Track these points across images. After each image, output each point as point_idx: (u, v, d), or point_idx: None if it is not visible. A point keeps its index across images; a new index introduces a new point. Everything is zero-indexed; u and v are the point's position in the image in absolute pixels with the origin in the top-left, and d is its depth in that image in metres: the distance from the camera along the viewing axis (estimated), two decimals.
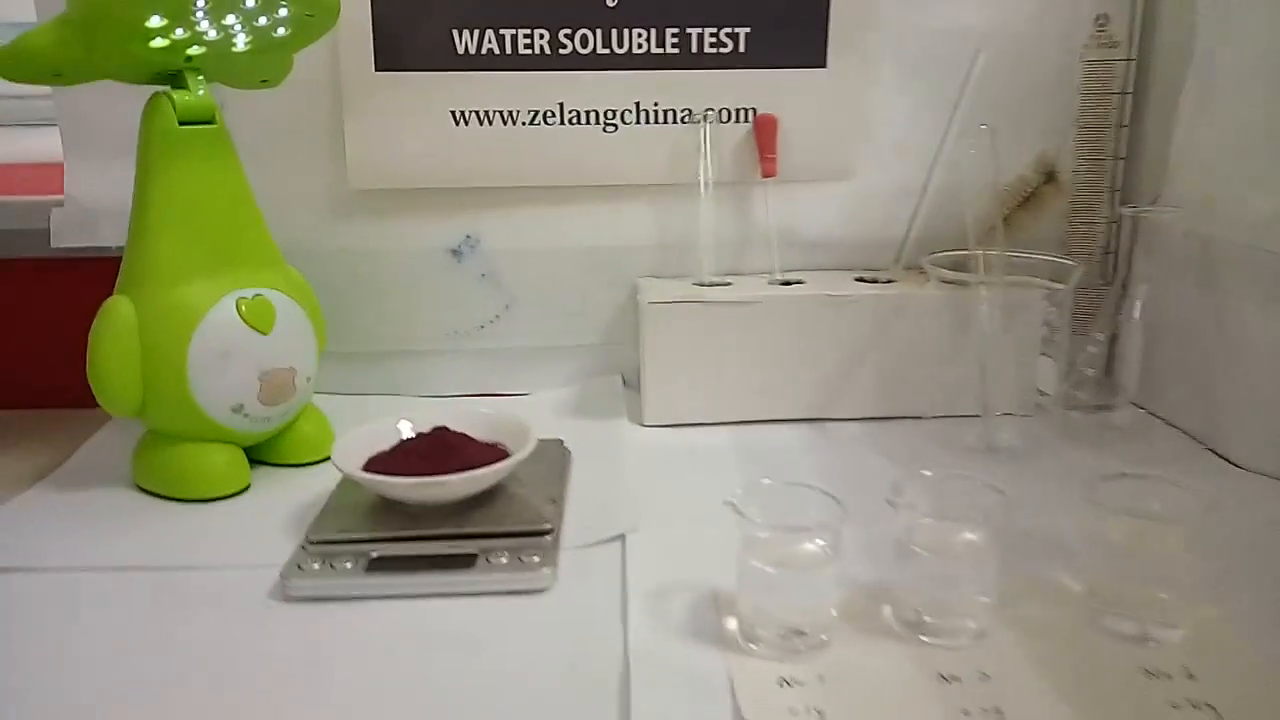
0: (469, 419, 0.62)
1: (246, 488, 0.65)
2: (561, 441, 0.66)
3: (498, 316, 0.81)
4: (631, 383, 0.83)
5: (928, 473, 0.47)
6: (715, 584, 0.50)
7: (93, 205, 0.77)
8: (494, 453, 0.58)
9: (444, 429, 0.60)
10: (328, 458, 0.68)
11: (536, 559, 0.51)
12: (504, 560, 0.51)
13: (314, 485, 0.64)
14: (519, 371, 0.83)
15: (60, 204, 0.77)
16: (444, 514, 0.54)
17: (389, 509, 0.55)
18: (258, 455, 0.68)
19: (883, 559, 0.48)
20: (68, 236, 0.77)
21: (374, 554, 0.52)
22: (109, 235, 0.75)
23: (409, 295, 0.80)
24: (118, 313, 0.60)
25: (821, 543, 0.45)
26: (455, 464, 0.55)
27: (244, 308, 0.62)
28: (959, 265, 0.71)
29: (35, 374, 0.81)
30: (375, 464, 0.57)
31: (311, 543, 0.53)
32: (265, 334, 0.63)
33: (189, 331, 0.60)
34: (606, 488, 0.63)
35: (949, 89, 0.76)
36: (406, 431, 0.61)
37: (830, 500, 0.45)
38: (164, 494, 0.63)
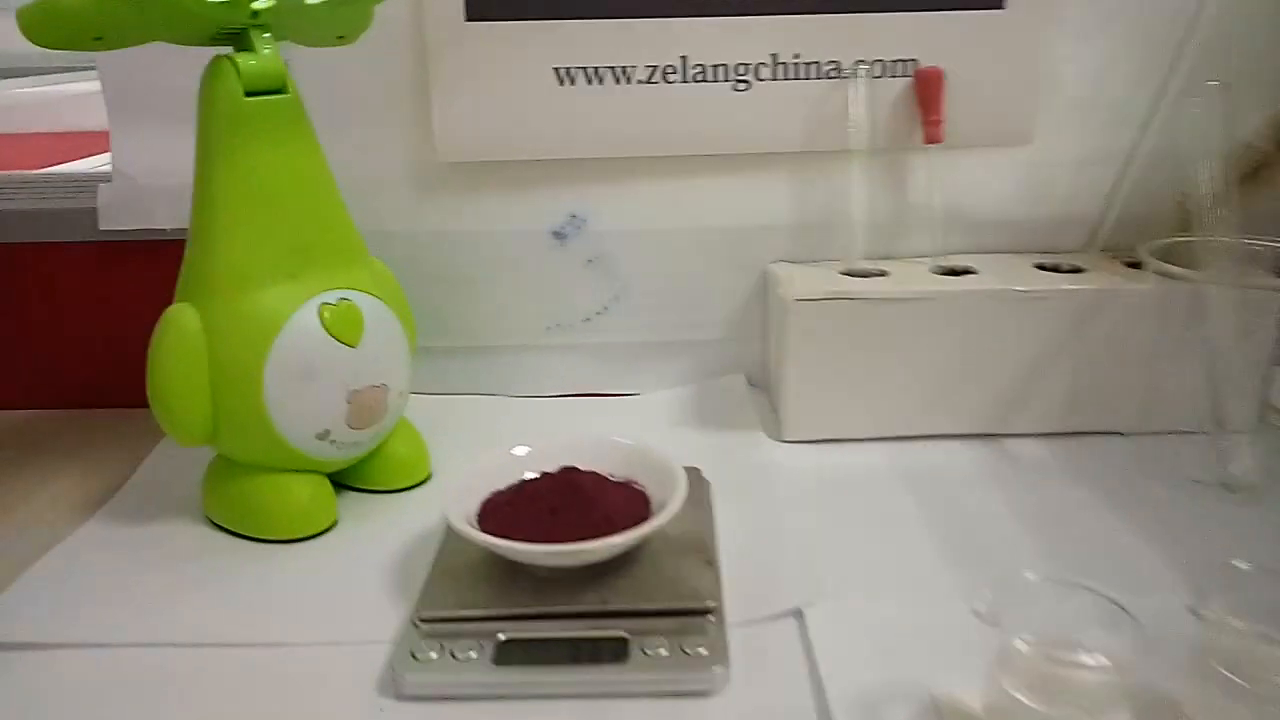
0: (598, 451, 0.51)
1: (334, 524, 0.55)
2: (699, 471, 0.55)
3: (605, 308, 0.71)
4: (758, 383, 0.72)
5: (1242, 565, 0.36)
6: (935, 687, 0.40)
7: (146, 182, 0.67)
8: (635, 500, 0.48)
9: (573, 470, 0.50)
10: (424, 481, 0.59)
11: (703, 650, 0.41)
12: (663, 652, 0.41)
13: (411, 519, 0.55)
14: (628, 369, 0.72)
15: (108, 179, 0.67)
16: (580, 579, 0.45)
17: (513, 570, 0.45)
18: (343, 479, 0.59)
19: (1166, 668, 0.37)
20: (118, 218, 0.67)
21: (502, 636, 0.42)
22: (164, 217, 0.66)
23: (505, 283, 0.70)
24: (181, 326, 0.50)
25: (1102, 663, 0.34)
26: (593, 516, 0.45)
27: (328, 315, 0.52)
28: (1171, 254, 0.59)
29: (86, 370, 0.73)
30: (494, 513, 0.47)
31: (424, 620, 0.43)
32: (353, 346, 0.53)
33: (266, 346, 0.50)
34: (763, 536, 0.52)
35: (1158, 33, 0.62)
36: (525, 467, 0.51)
37: (1112, 607, 0.34)
38: (238, 531, 0.54)
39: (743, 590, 0.46)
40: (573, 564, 0.44)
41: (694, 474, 0.55)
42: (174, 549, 0.53)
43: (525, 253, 0.69)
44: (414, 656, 0.42)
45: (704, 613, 0.43)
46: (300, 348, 0.51)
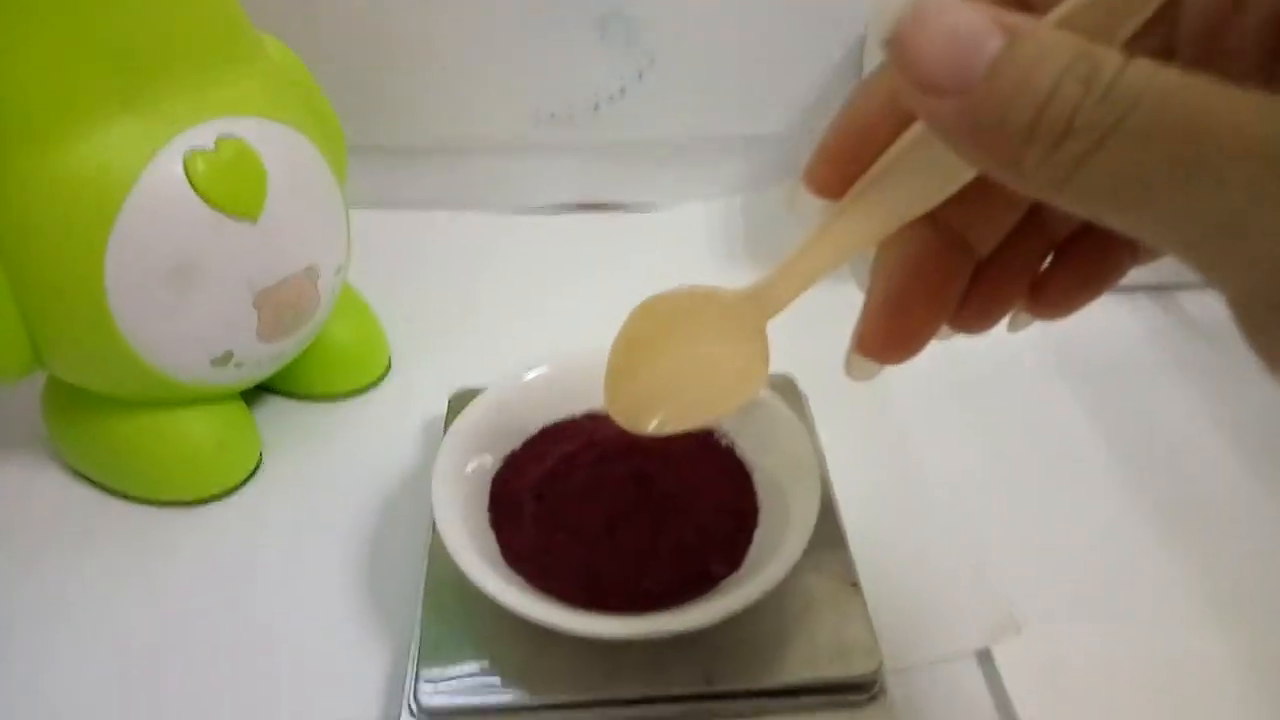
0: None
1: (256, 467, 0.37)
2: (794, 382, 0.38)
3: (624, 89, 0.48)
4: None
5: None
6: None
7: None
8: (732, 482, 0.31)
9: (639, 450, 0.31)
10: (380, 378, 0.41)
11: None
12: None
13: (369, 449, 0.38)
14: (652, 175, 0.52)
15: None
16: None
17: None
18: (264, 382, 0.40)
19: None
20: None
21: None
22: None
23: (479, 55, 0.47)
24: None
25: None
26: (678, 534, 0.29)
27: (202, 170, 0.30)
28: None
29: None
30: (514, 522, 0.30)
31: (426, 711, 0.27)
32: (252, 219, 0.32)
33: (101, 236, 0.29)
34: (891, 496, 0.36)
35: None
36: (547, 409, 0.33)
37: None
38: (110, 488, 0.36)
39: (887, 608, 0.31)
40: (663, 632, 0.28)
41: (786, 385, 0.37)
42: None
43: (511, 8, 0.45)
44: None
45: (865, 686, 0.28)
46: (161, 232, 0.30)
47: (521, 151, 0.50)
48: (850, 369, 0.23)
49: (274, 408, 0.40)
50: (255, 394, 0.40)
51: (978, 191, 0.19)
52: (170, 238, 0.30)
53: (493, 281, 0.48)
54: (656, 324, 0.25)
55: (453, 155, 0.50)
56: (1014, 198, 0.20)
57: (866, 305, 0.21)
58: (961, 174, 0.19)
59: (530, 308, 0.46)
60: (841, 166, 0.20)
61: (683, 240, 0.50)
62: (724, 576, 0.28)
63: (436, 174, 0.51)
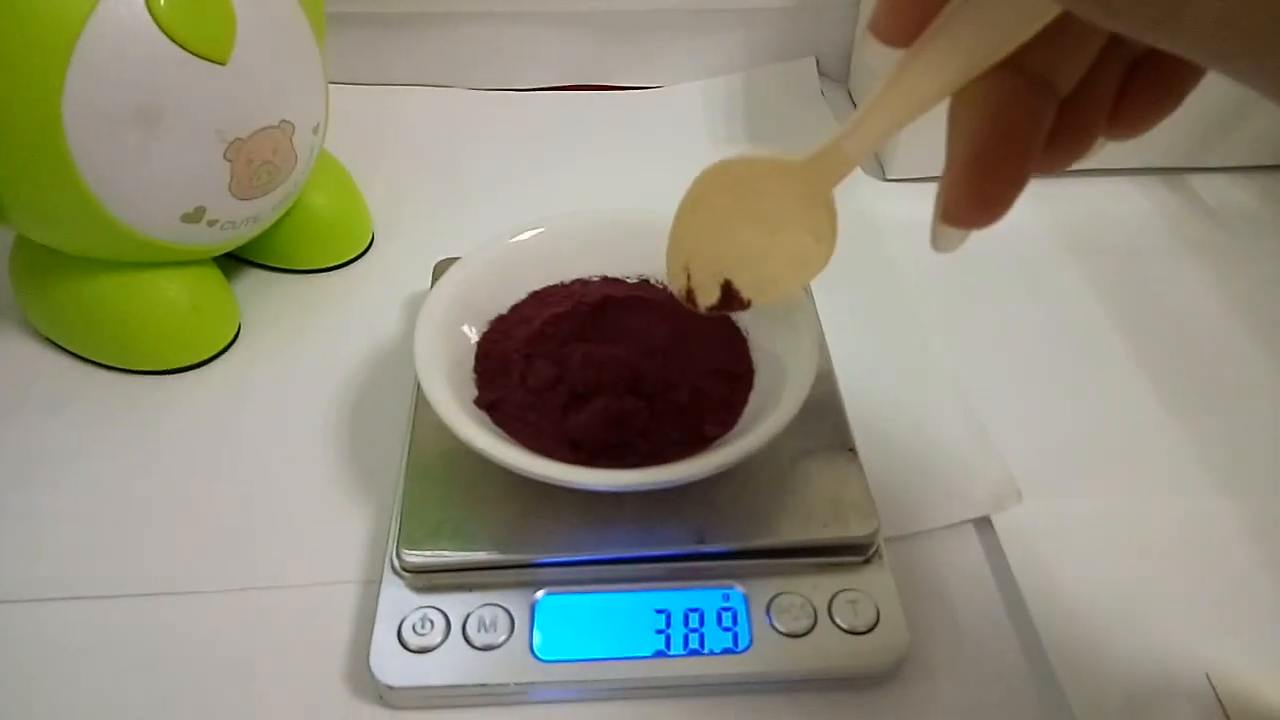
0: (650, 233, 0.31)
1: (235, 338, 0.36)
2: None
3: None
4: (834, 75, 0.50)
5: None
6: (1211, 662, 0.26)
7: None
8: (726, 342, 0.30)
9: (624, 293, 0.30)
10: (364, 252, 0.40)
11: (865, 611, 0.26)
12: (802, 622, 0.26)
13: (352, 319, 0.37)
14: (648, 49, 0.50)
15: None
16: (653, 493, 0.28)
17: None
18: (243, 253, 0.38)
19: None
20: None
21: (540, 595, 0.26)
22: None
23: None
24: None
25: None
26: (671, 390, 0.28)
27: (165, 4, 0.28)
28: None
29: None
30: (500, 380, 0.29)
31: (410, 569, 0.26)
32: (220, 61, 0.30)
33: (57, 71, 0.27)
34: (890, 368, 0.35)
35: None
36: (538, 270, 0.31)
37: None
38: (81, 354, 0.35)
39: (896, 485, 0.30)
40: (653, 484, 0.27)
41: None
42: None
43: None
44: (400, 640, 0.25)
45: (860, 548, 0.27)
46: (122, 69, 0.28)
47: (511, 21, 0.48)
48: (937, 241, 0.21)
49: (254, 280, 0.39)
50: (235, 266, 0.39)
51: (1060, 26, 0.17)
52: (132, 75, 0.28)
53: (481, 159, 0.46)
54: (721, 192, 0.24)
55: (438, 25, 0.48)
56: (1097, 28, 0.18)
57: (949, 170, 0.19)
58: (1043, 11, 0.17)
59: (522, 185, 0.44)
60: (910, 6, 0.18)
61: (680, 120, 0.48)
62: (717, 437, 0.27)
63: (422, 47, 0.48)
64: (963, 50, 0.18)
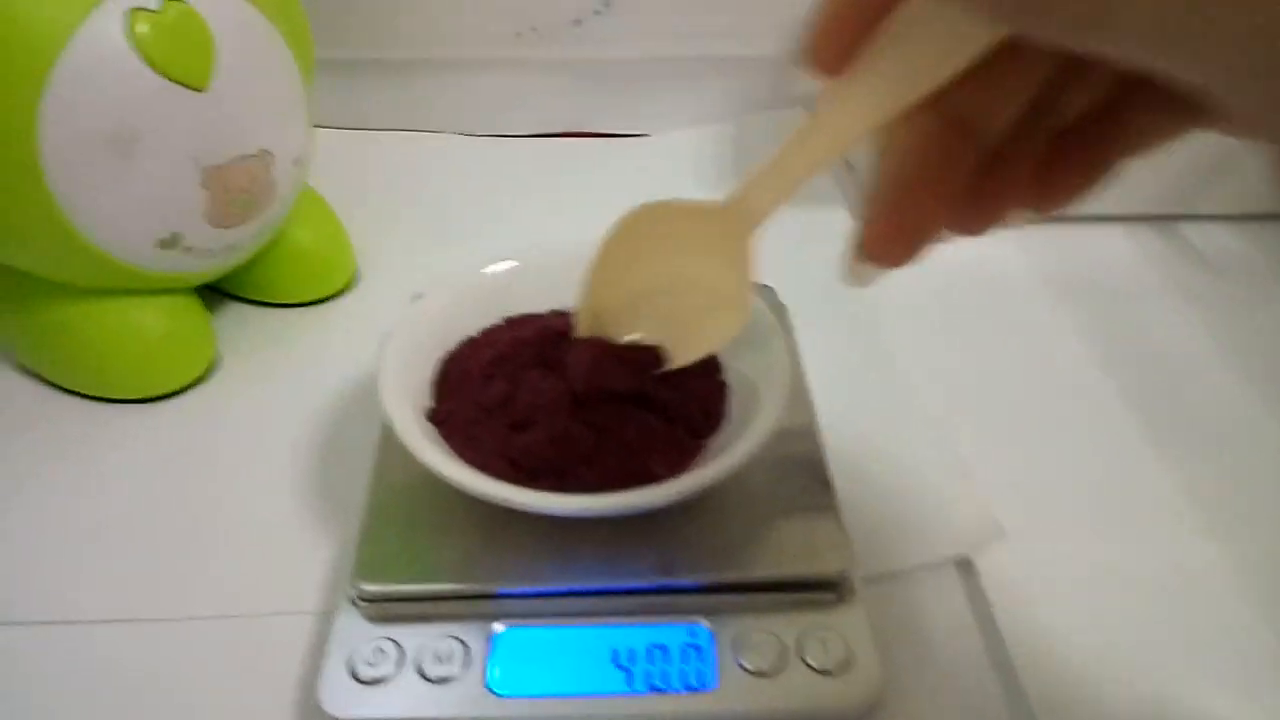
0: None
1: (210, 369, 0.36)
2: (773, 290, 0.36)
3: (608, 2, 0.47)
4: None
5: None
6: (1194, 708, 0.25)
7: None
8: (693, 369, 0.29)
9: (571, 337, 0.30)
10: (345, 288, 0.40)
11: (835, 651, 0.25)
12: (767, 660, 0.25)
13: (333, 354, 0.36)
14: (635, 97, 0.50)
15: None
16: (618, 522, 0.27)
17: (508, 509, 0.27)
18: (222, 285, 0.38)
19: None
20: None
21: (499, 628, 0.25)
22: None
23: None
24: None
25: None
26: (630, 422, 0.27)
27: (145, 32, 0.29)
28: None
29: None
30: (462, 392, 0.28)
31: (366, 598, 0.26)
32: (199, 88, 0.30)
33: (33, 94, 0.28)
34: (870, 405, 0.34)
35: None
36: (512, 301, 0.31)
37: None
38: (54, 382, 0.35)
39: (865, 515, 0.30)
40: (613, 511, 0.26)
41: (765, 293, 0.36)
42: None
43: None
44: (353, 674, 0.24)
45: (833, 585, 0.26)
46: (101, 93, 0.28)
47: (498, 70, 0.48)
48: (850, 275, 0.21)
49: (236, 313, 0.39)
50: (218, 299, 0.39)
51: (987, 70, 0.17)
52: (110, 100, 0.29)
53: (468, 204, 0.46)
54: (639, 236, 0.24)
55: (426, 73, 0.48)
56: (1025, 72, 0.18)
57: (868, 205, 0.19)
58: (969, 40, 0.17)
59: (508, 230, 0.44)
60: (842, 34, 0.18)
61: (669, 168, 0.48)
62: (664, 478, 0.26)
63: (411, 93, 0.49)
64: (886, 84, 0.18)
